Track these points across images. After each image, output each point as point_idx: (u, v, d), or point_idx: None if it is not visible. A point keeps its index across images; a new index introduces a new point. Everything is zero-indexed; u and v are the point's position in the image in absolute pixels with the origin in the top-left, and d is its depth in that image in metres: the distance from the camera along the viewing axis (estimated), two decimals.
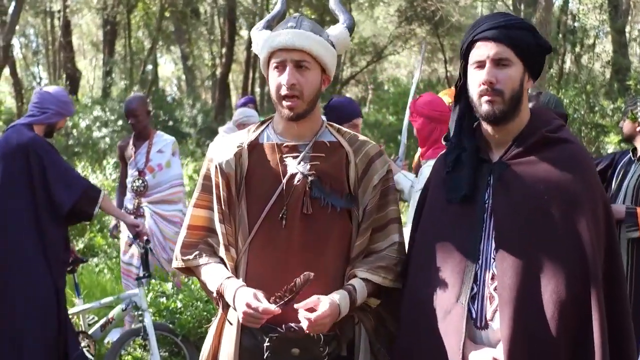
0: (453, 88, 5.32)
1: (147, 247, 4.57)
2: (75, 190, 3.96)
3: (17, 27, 21.01)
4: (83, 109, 14.02)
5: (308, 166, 2.14)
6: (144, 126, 5.33)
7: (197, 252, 2.21)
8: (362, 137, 2.29)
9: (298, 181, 2.12)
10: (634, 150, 3.95)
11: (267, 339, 2.07)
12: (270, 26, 2.28)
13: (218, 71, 20.91)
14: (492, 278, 1.97)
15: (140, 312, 4.31)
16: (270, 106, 20.04)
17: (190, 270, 2.27)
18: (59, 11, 17.93)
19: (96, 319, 4.80)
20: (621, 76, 11.48)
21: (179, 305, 4.48)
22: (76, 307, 4.64)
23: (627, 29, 14.28)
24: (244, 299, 1.98)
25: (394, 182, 2.30)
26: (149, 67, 19.02)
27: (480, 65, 2.01)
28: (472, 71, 2.04)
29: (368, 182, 2.17)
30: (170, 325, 4.42)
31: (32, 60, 24.28)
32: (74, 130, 13.48)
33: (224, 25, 20.77)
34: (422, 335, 2.05)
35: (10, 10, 14.09)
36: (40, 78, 23.42)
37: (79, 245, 7.41)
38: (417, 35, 22.06)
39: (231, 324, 2.15)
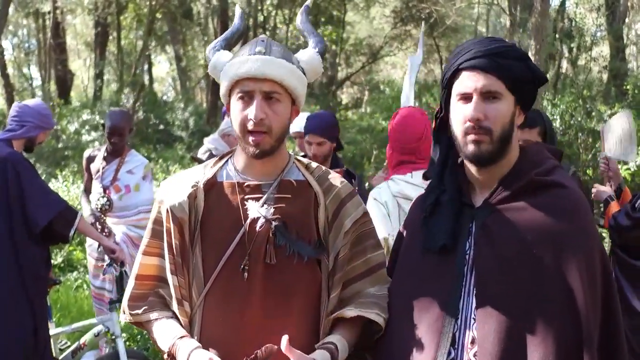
0: None
1: (122, 270, 4.37)
2: (51, 210, 3.85)
3: (9, 28, 20.86)
4: (71, 113, 13.81)
5: (272, 209, 1.89)
6: (124, 144, 5.09)
7: (146, 306, 1.95)
8: (332, 175, 2.03)
9: (261, 226, 1.87)
10: None
11: None
12: (229, 45, 2.03)
13: None
14: (472, 342, 1.73)
15: (113, 338, 4.12)
16: None
17: (140, 324, 2.03)
18: (49, 12, 17.67)
19: (68, 343, 4.59)
20: (619, 81, 11.28)
21: None
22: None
23: (625, 30, 14.10)
24: None
25: (373, 225, 2.03)
26: (141, 68, 18.74)
27: (466, 98, 1.76)
28: (456, 104, 1.79)
29: (339, 226, 1.93)
30: (144, 352, 4.21)
31: (24, 60, 24.03)
32: (63, 135, 13.27)
33: (217, 26, 20.56)
34: None
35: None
36: (32, 79, 23.17)
37: (57, 259, 7.18)
38: (412, 36, 21.88)
39: None
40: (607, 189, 3.90)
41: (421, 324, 1.79)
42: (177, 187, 1.96)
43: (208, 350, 1.82)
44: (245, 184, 1.93)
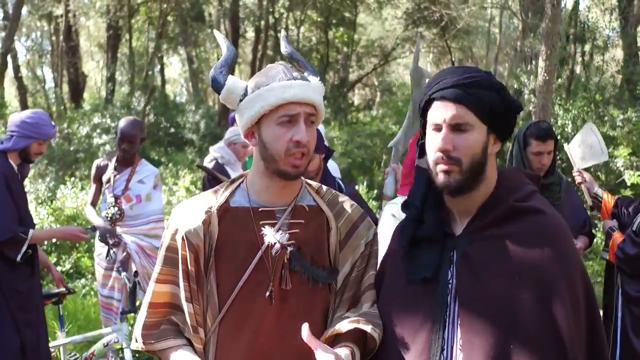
0: None
1: (135, 281, 4.38)
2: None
3: (23, 30, 21.00)
4: (82, 117, 13.87)
5: (287, 235, 1.90)
6: (134, 153, 5.09)
7: (159, 335, 1.93)
8: (342, 198, 2.05)
9: (276, 252, 1.88)
10: None
11: None
12: (231, 70, 2.05)
13: None
14: None
15: (121, 348, 4.15)
16: None
17: (153, 352, 2.01)
18: (62, 15, 17.77)
19: (77, 355, 4.62)
20: (631, 85, 11.16)
21: None
22: (58, 340, 4.48)
23: (639, 34, 13.95)
24: None
25: (377, 245, 2.05)
26: (153, 71, 18.80)
27: (438, 128, 1.75)
28: (429, 133, 1.78)
29: (350, 248, 1.97)
30: None
31: (38, 63, 24.16)
32: (74, 138, 13.33)
33: (228, 29, 20.59)
34: None
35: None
36: (45, 81, 23.30)
37: (65, 266, 7.19)
38: (424, 38, 21.79)
39: None
40: (610, 221, 3.89)
41: (408, 355, 1.77)
42: (190, 213, 1.95)
43: None
44: (260, 209, 1.93)
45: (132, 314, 4.37)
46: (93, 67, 28.39)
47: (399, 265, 1.89)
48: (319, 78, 2.00)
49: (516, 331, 1.65)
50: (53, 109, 17.21)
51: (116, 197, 4.99)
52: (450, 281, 1.78)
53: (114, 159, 5.15)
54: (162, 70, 23.55)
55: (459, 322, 1.73)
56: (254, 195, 1.95)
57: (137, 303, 4.43)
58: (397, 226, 1.99)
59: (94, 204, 5.20)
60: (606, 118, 10.34)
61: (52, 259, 7.24)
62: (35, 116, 4.07)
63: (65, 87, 19.39)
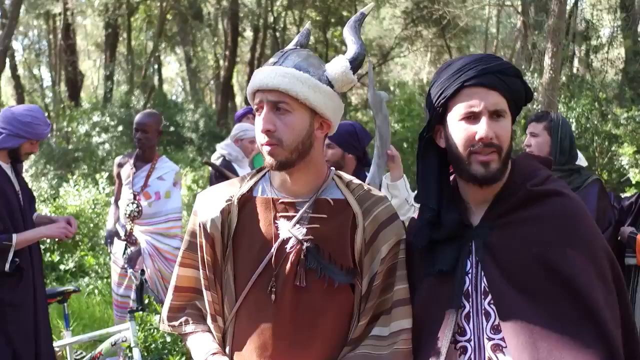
0: None
1: (142, 279, 4.31)
2: None
3: (20, 29, 20.87)
4: (81, 115, 13.77)
5: (304, 230, 1.79)
6: (151, 146, 4.93)
7: (183, 319, 1.95)
8: (376, 194, 1.90)
9: (291, 247, 1.78)
10: None
11: None
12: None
13: (221, 73, 20.66)
14: None
15: (130, 347, 4.07)
16: None
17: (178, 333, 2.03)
18: (60, 14, 17.67)
19: (84, 354, 4.53)
20: (635, 84, 11.14)
21: (168, 339, 4.19)
22: (64, 340, 4.39)
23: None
24: None
25: (404, 254, 1.88)
26: (152, 69, 18.73)
27: (472, 117, 1.69)
28: (458, 123, 1.71)
29: (375, 251, 1.82)
30: None
31: (35, 62, 24.07)
32: (73, 137, 13.24)
33: (227, 27, 20.52)
34: None
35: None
36: (42, 80, 23.22)
37: (68, 264, 7.11)
38: (423, 37, 21.76)
39: None
40: (626, 227, 3.77)
41: (427, 346, 1.74)
42: (211, 201, 1.90)
43: None
44: (280, 201, 1.85)
45: (141, 312, 4.29)
46: (90, 66, 28.30)
47: (416, 260, 1.83)
48: (349, 57, 1.84)
49: (551, 311, 1.60)
50: (50, 108, 17.11)
51: (135, 194, 4.91)
52: (470, 271, 1.73)
53: (134, 155, 5.08)
54: (159, 70, 23.48)
55: (495, 312, 1.68)
56: (276, 186, 1.88)
57: (146, 301, 4.37)
58: (412, 225, 1.91)
59: (116, 203, 5.11)
60: (609, 116, 10.31)
61: (55, 258, 7.17)
62: (29, 114, 3.72)
63: (63, 86, 19.29)
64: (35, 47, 24.08)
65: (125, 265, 4.74)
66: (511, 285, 1.65)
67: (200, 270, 1.89)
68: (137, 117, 4.97)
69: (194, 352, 1.90)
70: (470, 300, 1.72)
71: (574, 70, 12.76)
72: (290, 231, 1.80)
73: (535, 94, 10.52)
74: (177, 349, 4.13)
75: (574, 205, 1.73)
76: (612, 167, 9.72)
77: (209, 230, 1.85)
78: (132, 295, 4.83)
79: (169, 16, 18.21)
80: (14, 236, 3.54)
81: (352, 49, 1.87)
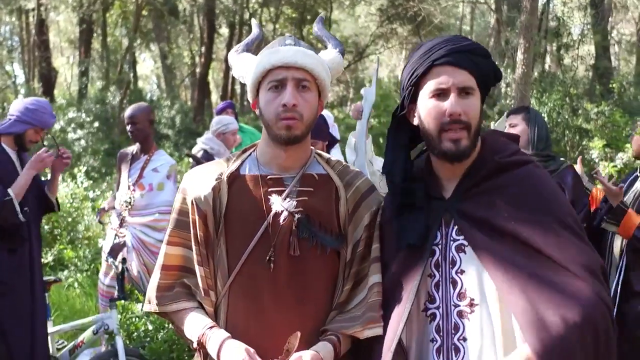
0: None
1: (123, 267, 4.36)
2: None
3: None
4: (56, 111, 13.66)
5: (294, 203, 1.92)
6: (145, 136, 5.02)
7: (173, 297, 1.98)
8: (353, 169, 2.07)
9: (284, 220, 1.90)
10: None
11: None
12: (250, 50, 2.08)
13: (197, 70, 20.62)
14: (455, 328, 1.80)
15: (112, 335, 4.13)
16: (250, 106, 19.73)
17: (163, 313, 2.05)
18: (33, 9, 17.49)
19: (65, 343, 4.57)
20: (604, 79, 11.40)
21: (150, 327, 4.25)
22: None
23: (610, 27, 14.25)
24: (242, 357, 1.79)
25: (379, 218, 2.05)
26: (126, 66, 18.62)
27: (441, 94, 1.80)
28: (428, 101, 1.82)
29: (358, 219, 1.97)
30: (141, 350, 4.19)
31: (7, 58, 23.75)
32: (48, 132, 13.12)
33: (203, 24, 20.48)
34: None
35: None
36: (16, 76, 22.92)
37: (47, 258, 7.10)
38: (398, 34, 21.94)
39: None
40: (619, 195, 3.86)
41: (390, 312, 1.85)
42: (201, 179, 1.99)
43: (236, 340, 1.86)
44: (268, 177, 1.96)
45: (122, 301, 4.35)
46: (63, 63, 28.00)
47: (390, 233, 1.94)
48: (338, 50, 2.04)
49: (529, 263, 1.71)
50: None
51: (129, 185, 4.98)
52: (440, 242, 1.85)
53: (135, 147, 5.15)
54: (134, 67, 23.33)
55: (461, 280, 1.81)
56: (263, 164, 1.99)
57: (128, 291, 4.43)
58: (386, 196, 2.03)
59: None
60: (580, 111, 10.54)
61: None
62: (37, 103, 4.02)
63: (37, 82, 19.09)
64: (7, 43, 23.76)
65: (107, 256, 4.79)
66: (491, 245, 1.76)
67: (193, 247, 1.96)
68: (127, 111, 5.10)
69: (188, 327, 1.95)
70: (440, 269, 1.84)
71: (546, 67, 13.00)
72: (282, 204, 1.91)
73: (508, 89, 10.74)
74: (159, 337, 4.18)
75: (538, 172, 1.87)
76: (583, 161, 9.94)
77: (202, 208, 1.93)
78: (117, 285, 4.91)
79: (144, 12, 18.12)
80: (9, 190, 3.78)
81: (334, 43, 2.07)
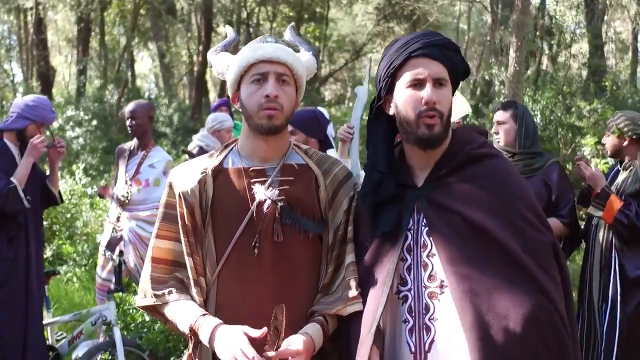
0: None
1: (120, 260, 4.48)
2: None
3: None
4: (55, 109, 13.75)
5: (277, 191, 2.05)
6: (143, 132, 5.14)
7: (167, 290, 2.07)
8: (330, 158, 2.21)
9: (267, 208, 2.03)
10: (621, 162, 4.02)
11: None
12: (227, 50, 2.22)
13: (195, 69, 20.70)
14: (426, 308, 1.92)
15: (110, 326, 4.24)
16: None
17: (154, 308, 2.14)
18: (31, 8, 17.57)
19: (64, 335, 4.68)
20: (597, 77, 11.51)
21: (147, 319, 4.36)
22: (45, 320, 4.53)
23: (604, 28, 14.35)
24: (236, 342, 1.87)
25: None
26: (124, 65, 18.70)
27: (418, 83, 1.93)
28: (405, 90, 1.95)
29: (338, 205, 2.11)
30: (138, 341, 4.30)
31: (5, 56, 23.81)
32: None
33: (201, 23, 20.56)
34: None
35: None
36: (14, 75, 22.98)
37: (47, 253, 7.21)
38: (395, 33, 22.01)
39: None
40: (601, 179, 3.92)
41: (368, 294, 1.97)
42: (187, 173, 2.11)
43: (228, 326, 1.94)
44: (251, 169, 2.08)
45: (120, 293, 4.46)
46: (61, 62, 28.06)
47: (366, 223, 2.06)
48: (312, 53, 2.19)
49: (483, 253, 1.84)
50: None
51: (127, 180, 5.09)
52: (412, 227, 1.97)
53: (132, 143, 5.26)
54: (132, 65, 23.40)
55: (431, 263, 1.93)
56: (245, 157, 2.11)
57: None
58: (359, 192, 2.13)
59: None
60: (573, 109, 10.64)
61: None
62: (37, 100, 4.20)
63: (35, 81, 19.15)
64: (5, 42, 23.81)
65: (104, 249, 4.90)
66: (454, 235, 1.89)
67: (182, 238, 2.06)
68: (126, 107, 5.29)
69: (179, 317, 2.04)
70: (412, 253, 1.97)
71: (543, 67, 13.10)
72: (264, 193, 2.03)
73: (502, 87, 10.84)
74: (155, 328, 4.29)
75: (505, 165, 2.01)
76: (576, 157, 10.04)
77: (189, 200, 2.04)
78: (114, 278, 5.03)
79: (142, 11, 18.20)
80: (12, 179, 3.96)
81: (307, 47, 2.22)
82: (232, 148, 2.17)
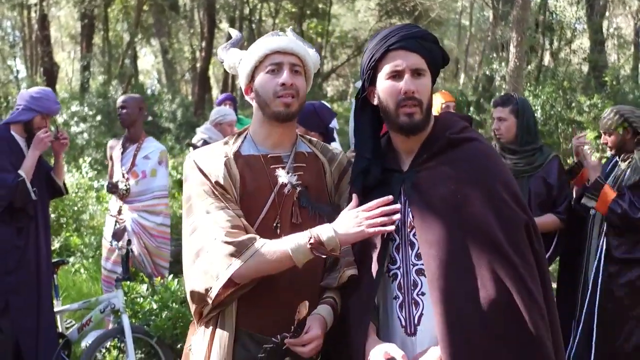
0: (439, 92, 5.25)
1: (128, 249, 4.59)
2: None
3: None
4: (60, 104, 13.84)
5: (295, 177, 2.19)
6: (133, 121, 5.24)
7: (248, 240, 2.03)
8: (331, 147, 2.38)
9: (288, 191, 2.17)
10: (619, 155, 4.06)
11: (262, 350, 2.09)
12: (236, 47, 2.35)
13: (198, 65, 20.80)
14: (414, 284, 2.05)
15: (118, 314, 4.35)
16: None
17: (230, 283, 2.03)
18: (35, 4, 17.66)
19: (73, 323, 4.80)
20: (597, 73, 11.58)
21: (155, 306, 4.47)
22: (54, 308, 4.63)
23: (605, 24, 14.41)
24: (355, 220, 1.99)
25: None
26: (128, 61, 18.81)
27: (397, 74, 2.05)
28: (386, 82, 2.07)
29: (342, 189, 2.28)
30: (146, 327, 4.41)
31: (9, 53, 23.91)
32: (52, 126, 13.32)
33: (203, 19, 20.66)
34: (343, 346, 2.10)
35: None
36: (18, 71, 23.08)
37: (55, 244, 7.34)
38: None
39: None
40: (598, 170, 4.00)
41: (363, 273, 2.11)
42: (210, 157, 2.20)
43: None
44: (269, 155, 2.22)
45: (128, 282, 4.56)
46: (64, 58, 28.15)
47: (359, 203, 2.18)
48: (315, 50, 2.33)
49: (458, 232, 1.97)
50: None
51: (124, 174, 5.20)
52: (401, 209, 2.08)
53: (122, 137, 5.37)
54: (134, 62, 23.49)
55: (417, 242, 2.05)
56: (259, 144, 2.24)
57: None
58: (351, 174, 2.23)
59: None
60: (573, 104, 10.72)
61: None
62: (41, 92, 4.31)
63: (39, 78, 19.25)
64: (9, 38, 23.91)
65: (111, 240, 5.02)
66: (432, 217, 2.02)
67: (230, 205, 2.09)
68: (120, 99, 5.38)
69: (280, 246, 2.00)
70: (400, 233, 2.09)
71: (546, 63, 13.17)
72: (287, 178, 2.17)
73: (502, 82, 10.91)
74: (163, 315, 4.39)
75: (485, 148, 2.14)
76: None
77: (221, 182, 2.13)
78: (119, 270, 5.14)
79: (145, 7, 18.29)
80: (20, 171, 4.08)
81: (309, 45, 2.33)
82: (245, 136, 2.28)
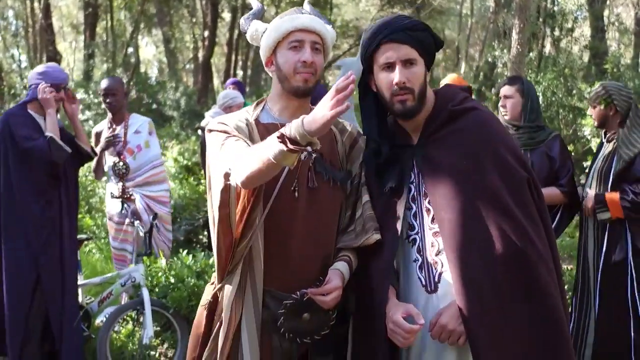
0: (455, 75, 5.43)
1: (153, 223, 4.75)
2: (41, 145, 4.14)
3: None
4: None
5: None
6: (121, 106, 5.37)
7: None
8: (341, 120, 2.50)
9: (305, 157, 2.30)
10: (605, 134, 4.20)
11: (282, 306, 2.22)
12: (257, 19, 2.45)
13: (200, 54, 20.89)
14: (432, 245, 2.23)
15: (137, 287, 4.52)
16: (253, 89, 20.04)
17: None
18: None
19: (92, 299, 4.96)
20: (598, 60, 11.71)
21: (172, 280, 4.63)
22: (77, 282, 4.77)
23: (606, 12, 14.52)
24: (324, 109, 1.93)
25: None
26: (133, 49, 18.91)
27: (390, 66, 2.21)
28: (381, 72, 2.24)
29: (354, 158, 2.43)
30: (163, 300, 4.57)
31: (12, 42, 23.99)
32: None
33: (206, 8, 20.73)
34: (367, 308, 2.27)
35: None
36: (20, 60, 23.18)
37: None
38: None
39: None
40: (591, 193, 4.09)
41: (385, 238, 2.27)
42: (234, 119, 2.33)
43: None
44: (286, 125, 2.31)
45: (147, 257, 4.72)
46: (66, 47, 28.23)
47: (373, 183, 2.38)
48: (331, 26, 2.44)
49: (469, 197, 2.14)
50: None
51: (119, 153, 5.33)
52: (414, 180, 2.28)
53: (106, 121, 5.50)
54: (136, 51, 23.58)
55: (432, 208, 2.22)
56: (277, 114, 2.37)
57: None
58: (364, 155, 2.43)
59: (101, 169, 5.53)
60: (574, 91, 10.86)
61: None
62: (45, 66, 4.43)
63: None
64: (11, 27, 23.99)
65: (132, 220, 5.15)
66: (444, 184, 2.19)
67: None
68: (104, 83, 5.42)
69: (260, 148, 2.02)
70: (416, 202, 2.28)
71: (547, 52, 13.29)
72: None
73: (504, 69, 11.04)
74: (179, 288, 4.55)
75: (485, 115, 2.31)
76: (577, 138, 10.29)
77: (244, 139, 2.22)
78: (128, 247, 5.31)
79: None
80: (47, 133, 4.19)
81: (325, 20, 2.43)
82: (264, 107, 2.42)
